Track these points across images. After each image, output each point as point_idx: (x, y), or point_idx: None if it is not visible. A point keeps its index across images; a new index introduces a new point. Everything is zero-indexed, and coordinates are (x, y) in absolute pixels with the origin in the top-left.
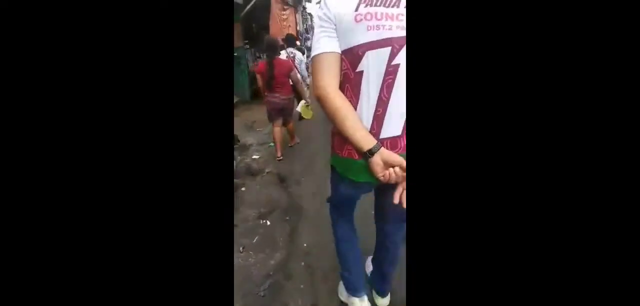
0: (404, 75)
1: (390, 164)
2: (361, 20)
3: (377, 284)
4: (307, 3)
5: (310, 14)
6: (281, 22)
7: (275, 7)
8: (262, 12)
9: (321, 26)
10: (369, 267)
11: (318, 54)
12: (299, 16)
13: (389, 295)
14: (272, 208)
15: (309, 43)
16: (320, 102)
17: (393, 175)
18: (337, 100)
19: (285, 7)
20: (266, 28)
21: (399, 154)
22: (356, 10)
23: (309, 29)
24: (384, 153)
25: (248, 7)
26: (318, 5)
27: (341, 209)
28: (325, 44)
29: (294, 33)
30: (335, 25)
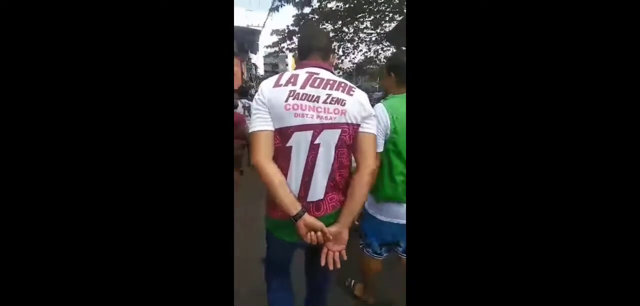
0: (324, 152)
1: (312, 228)
2: (290, 109)
3: None
4: (251, 54)
5: (255, 64)
6: None
7: None
8: None
9: (257, 108)
10: None
11: (255, 131)
12: (244, 66)
13: None
14: None
15: (253, 91)
16: (256, 170)
17: (314, 238)
18: (270, 170)
19: None
20: None
21: (322, 216)
22: (286, 101)
23: (254, 78)
24: (307, 218)
25: None
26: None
27: (277, 267)
28: (261, 123)
29: (240, 83)
30: (268, 108)
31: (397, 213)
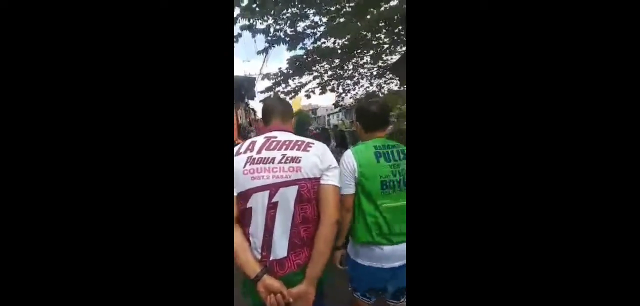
0: (283, 208)
1: (271, 290)
2: (247, 173)
3: None
4: (249, 100)
5: (253, 109)
6: None
7: None
8: None
9: None
10: None
11: None
12: (241, 111)
13: None
14: None
15: (252, 135)
16: None
17: (274, 301)
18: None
19: None
20: None
21: (286, 275)
22: (244, 167)
23: (252, 123)
24: (266, 280)
25: None
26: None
27: None
28: None
29: (236, 128)
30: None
31: (378, 257)
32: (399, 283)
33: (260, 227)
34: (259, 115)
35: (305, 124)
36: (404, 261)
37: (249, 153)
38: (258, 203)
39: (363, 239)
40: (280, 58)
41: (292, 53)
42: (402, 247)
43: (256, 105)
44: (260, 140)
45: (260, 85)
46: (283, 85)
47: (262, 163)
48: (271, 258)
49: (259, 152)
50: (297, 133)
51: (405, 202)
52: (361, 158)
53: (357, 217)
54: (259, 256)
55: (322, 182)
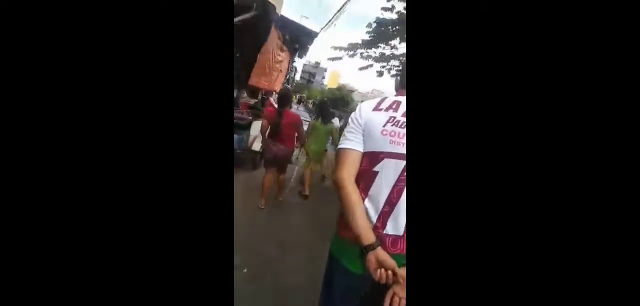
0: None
1: (384, 266)
2: (386, 135)
3: None
4: (297, 58)
5: (295, 67)
6: (274, 62)
7: (274, 40)
8: (252, 37)
9: (352, 126)
10: None
11: (344, 148)
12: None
13: None
14: None
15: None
16: (336, 186)
17: (384, 276)
18: (350, 189)
19: (284, 47)
20: (249, 64)
21: (396, 255)
22: (384, 126)
23: (291, 81)
24: (380, 253)
25: (237, 19)
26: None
27: (335, 301)
28: (352, 142)
29: (282, 79)
30: (363, 129)
31: None
32: None
33: (383, 196)
34: (298, 77)
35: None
36: None
37: (392, 113)
38: (389, 170)
39: None
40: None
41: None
42: None
43: (299, 63)
44: (389, 99)
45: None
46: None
47: (400, 127)
48: (385, 232)
49: (404, 115)
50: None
51: None
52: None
53: None
54: (371, 226)
55: None
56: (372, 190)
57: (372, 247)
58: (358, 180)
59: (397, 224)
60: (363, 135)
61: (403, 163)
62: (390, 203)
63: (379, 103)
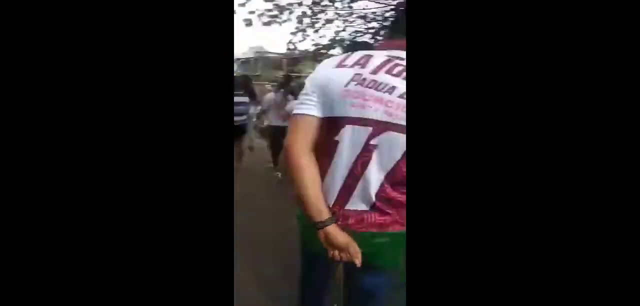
0: (382, 157)
1: (334, 245)
2: (347, 96)
3: None
4: None
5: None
6: None
7: None
8: None
9: (307, 87)
10: None
11: (296, 114)
12: None
13: None
14: None
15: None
16: (286, 156)
17: (337, 256)
18: (302, 160)
19: None
20: None
21: (362, 233)
22: (346, 86)
23: None
24: (330, 232)
25: None
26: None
27: (311, 273)
28: (305, 106)
29: None
30: (320, 90)
31: None
32: None
33: (345, 168)
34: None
35: None
36: None
37: (357, 70)
38: (352, 139)
39: None
40: None
41: None
42: None
43: None
44: (379, 57)
45: None
46: None
47: (374, 88)
48: (347, 208)
49: (374, 72)
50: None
51: None
52: None
53: None
54: (331, 202)
55: None
56: (333, 162)
57: (322, 225)
58: (316, 151)
59: (364, 199)
60: (320, 98)
61: (367, 130)
62: (354, 176)
63: (344, 59)
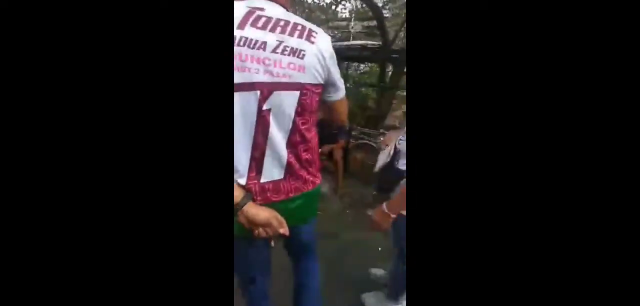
0: (278, 120)
1: (257, 223)
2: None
3: None
4: None
5: None
6: None
7: None
8: None
9: None
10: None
11: None
12: None
13: None
14: None
15: None
16: None
17: (263, 234)
18: None
19: None
20: None
21: (281, 201)
22: None
23: None
24: (249, 212)
25: None
26: None
27: (254, 279)
28: None
29: None
30: None
31: None
32: None
33: (247, 141)
34: None
35: None
36: None
37: (238, 32)
38: (243, 108)
39: None
40: None
41: None
42: None
43: None
44: (239, 9)
45: None
46: None
47: (248, 47)
48: (263, 181)
49: (240, 27)
50: None
51: None
52: None
53: None
54: (243, 181)
55: (332, 96)
56: (234, 137)
57: (239, 206)
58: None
59: (273, 167)
60: None
61: (255, 94)
62: (258, 146)
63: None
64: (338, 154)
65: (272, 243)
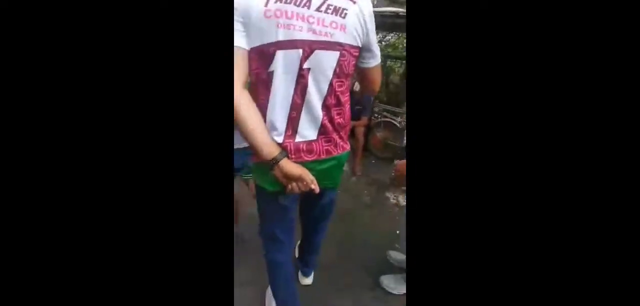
0: (316, 80)
1: (290, 178)
2: (271, 16)
3: (302, 266)
4: None
5: None
6: None
7: None
8: None
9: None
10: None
11: None
12: None
13: (312, 274)
14: None
15: None
16: None
17: (296, 188)
18: (240, 99)
19: None
20: None
21: (313, 161)
22: (266, 5)
23: None
24: (285, 166)
25: None
26: None
27: (268, 223)
28: (234, 39)
29: None
30: (242, 18)
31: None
32: None
33: (285, 99)
34: None
35: None
36: None
37: None
38: (286, 66)
39: None
40: None
41: None
42: None
43: None
44: None
45: None
46: None
47: (294, 4)
48: (298, 140)
49: None
50: None
51: None
52: None
53: None
54: (280, 139)
55: (367, 62)
56: (272, 96)
57: (275, 161)
58: (255, 87)
59: (308, 127)
60: (245, 27)
61: (298, 53)
62: (296, 106)
63: None
64: (360, 132)
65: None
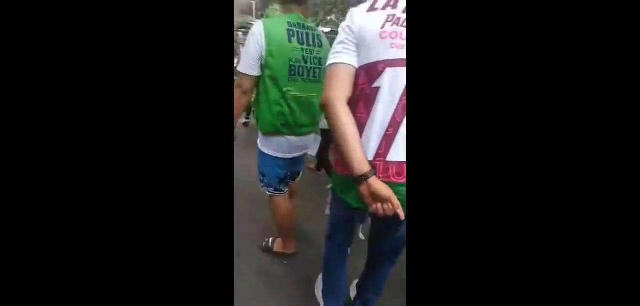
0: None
1: (378, 197)
2: (386, 37)
3: None
4: None
5: None
6: None
7: None
8: None
9: (343, 36)
10: (352, 291)
11: (333, 64)
12: None
13: None
14: None
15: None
16: (324, 110)
17: (380, 210)
18: (341, 113)
19: None
20: None
21: (402, 184)
22: (382, 27)
23: None
24: (373, 184)
25: None
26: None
27: (337, 234)
28: (341, 55)
29: None
30: (356, 39)
31: (283, 148)
32: (297, 168)
33: (387, 116)
34: None
35: None
36: (305, 151)
37: (390, 11)
38: (392, 83)
39: (268, 129)
40: None
41: None
42: (307, 138)
43: None
44: None
45: None
46: None
47: (395, 24)
48: (388, 160)
49: (394, 6)
50: None
51: (316, 95)
52: (270, 33)
53: (263, 103)
54: (371, 156)
55: None
56: (374, 111)
57: (365, 178)
58: (355, 102)
59: (403, 147)
60: (357, 46)
61: (404, 71)
62: (394, 124)
63: (374, 3)
64: None
65: (361, 236)
